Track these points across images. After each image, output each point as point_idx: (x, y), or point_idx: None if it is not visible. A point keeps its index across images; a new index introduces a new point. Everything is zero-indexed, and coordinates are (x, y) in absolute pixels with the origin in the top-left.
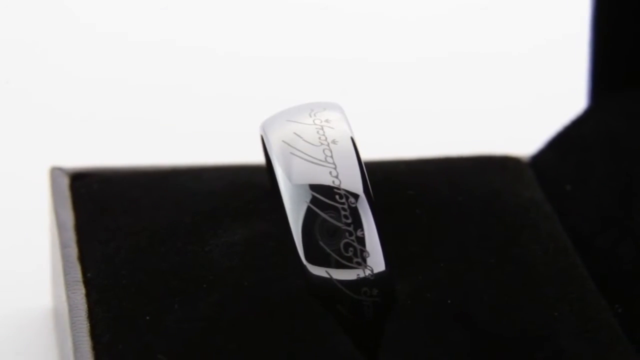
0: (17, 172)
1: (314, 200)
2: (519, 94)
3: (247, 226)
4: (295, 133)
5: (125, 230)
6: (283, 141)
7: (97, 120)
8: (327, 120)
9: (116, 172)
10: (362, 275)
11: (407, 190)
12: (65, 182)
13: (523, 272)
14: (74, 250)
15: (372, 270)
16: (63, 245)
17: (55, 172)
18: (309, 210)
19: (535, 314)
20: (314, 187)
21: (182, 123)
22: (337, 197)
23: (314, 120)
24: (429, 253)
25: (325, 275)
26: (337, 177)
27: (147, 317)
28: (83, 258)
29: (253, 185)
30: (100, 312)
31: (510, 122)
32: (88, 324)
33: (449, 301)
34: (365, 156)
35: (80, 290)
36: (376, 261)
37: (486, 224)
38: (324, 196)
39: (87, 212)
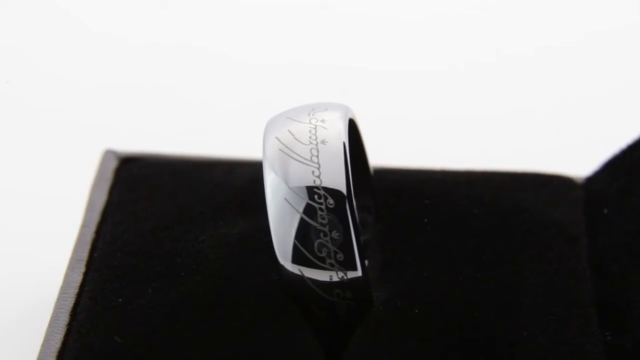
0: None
1: (292, 197)
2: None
3: (249, 220)
4: (289, 131)
5: (138, 214)
6: (275, 137)
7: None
8: (323, 121)
9: (159, 158)
10: (335, 277)
11: (425, 198)
12: (112, 165)
13: (505, 290)
14: (90, 231)
15: (345, 273)
16: (83, 225)
17: (108, 154)
18: (286, 206)
19: (500, 332)
20: (294, 185)
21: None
22: (315, 196)
23: (310, 120)
24: (418, 262)
25: (297, 272)
26: (319, 177)
27: (120, 300)
28: (98, 239)
29: None
30: (86, 291)
31: (586, 142)
32: (73, 302)
33: (416, 311)
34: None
35: (80, 269)
36: (350, 264)
37: (491, 239)
38: (302, 194)
39: (119, 194)
